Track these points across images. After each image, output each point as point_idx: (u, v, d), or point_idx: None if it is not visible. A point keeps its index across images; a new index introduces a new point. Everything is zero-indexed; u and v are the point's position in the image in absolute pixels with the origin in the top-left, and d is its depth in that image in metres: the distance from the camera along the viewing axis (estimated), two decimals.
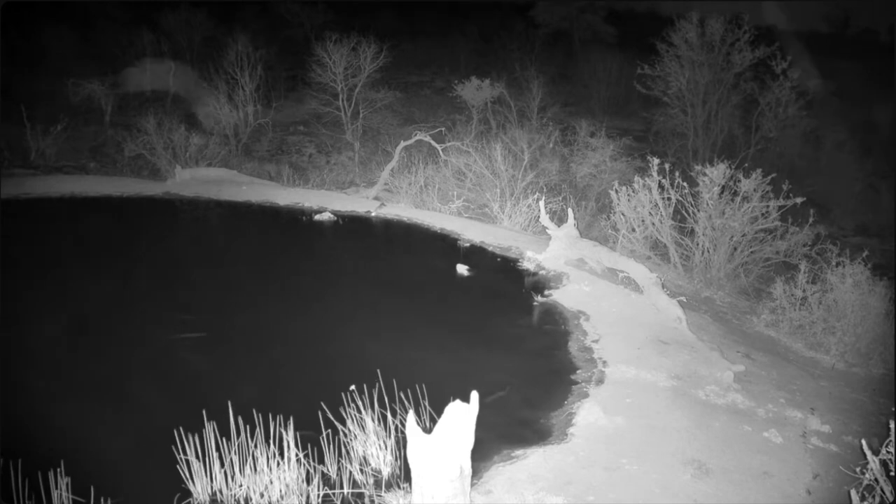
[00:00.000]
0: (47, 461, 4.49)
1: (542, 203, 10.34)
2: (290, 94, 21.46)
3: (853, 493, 3.99)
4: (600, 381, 6.50)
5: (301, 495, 4.69)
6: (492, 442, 5.25)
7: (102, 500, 4.42)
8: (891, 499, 3.91)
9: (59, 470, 4.41)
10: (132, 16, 24.27)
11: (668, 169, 9.82)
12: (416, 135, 14.08)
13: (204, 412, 4.85)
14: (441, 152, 14.00)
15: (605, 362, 6.92)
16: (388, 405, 5.43)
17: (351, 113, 17.09)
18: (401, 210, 12.27)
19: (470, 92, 17.87)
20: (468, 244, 10.72)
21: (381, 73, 17.40)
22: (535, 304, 8.60)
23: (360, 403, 5.32)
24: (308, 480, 4.75)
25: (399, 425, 5.30)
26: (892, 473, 3.94)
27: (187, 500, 4.64)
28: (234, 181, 13.53)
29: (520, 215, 12.10)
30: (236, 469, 4.75)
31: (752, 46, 15.59)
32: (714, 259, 9.85)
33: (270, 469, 4.71)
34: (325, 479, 4.88)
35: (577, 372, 6.78)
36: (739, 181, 9.51)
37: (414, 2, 32.66)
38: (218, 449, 4.75)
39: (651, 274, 8.61)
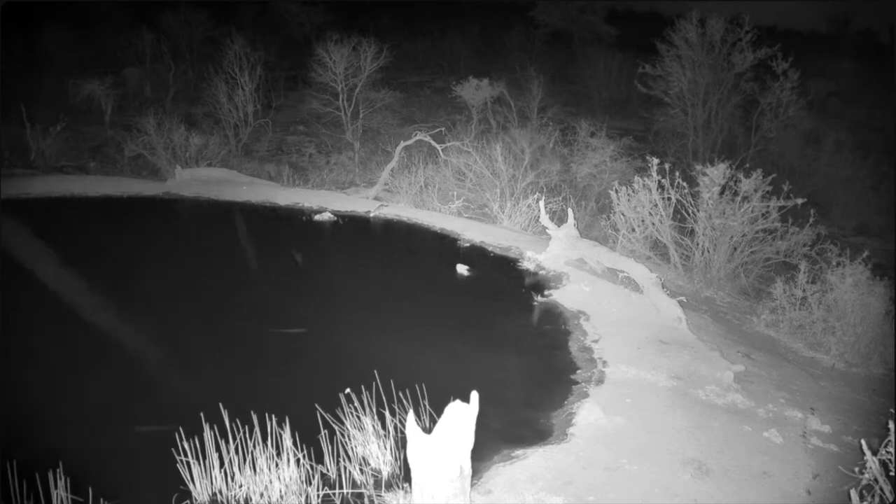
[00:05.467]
0: (47, 461, 4.48)
1: (541, 203, 10.34)
2: (290, 94, 21.45)
3: (853, 493, 3.99)
4: (600, 381, 6.50)
5: (301, 495, 4.69)
6: (492, 442, 5.25)
7: (102, 500, 4.41)
8: (890, 499, 3.91)
9: (58, 470, 4.41)
10: (132, 16, 24.27)
11: (667, 169, 9.82)
12: (416, 135, 14.07)
13: (202, 414, 4.85)
14: (441, 152, 13.99)
15: (605, 362, 6.92)
16: (387, 405, 5.43)
17: (351, 113, 17.09)
18: (401, 210, 12.26)
19: (469, 92, 17.87)
20: (468, 244, 10.71)
21: (382, 73, 17.40)
22: (535, 304, 8.60)
23: (359, 403, 5.32)
24: (308, 481, 4.75)
25: (399, 425, 5.30)
26: (892, 473, 3.93)
27: (186, 501, 4.63)
28: (234, 181, 13.52)
29: (520, 215, 12.09)
30: (236, 469, 4.75)
31: (754, 47, 15.59)
32: (714, 259, 9.85)
33: (270, 469, 4.71)
34: (325, 480, 4.88)
35: (577, 372, 6.78)
36: (739, 181, 9.51)
37: (414, 2, 32.67)
38: (218, 449, 4.75)
39: (651, 274, 8.61)
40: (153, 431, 5.27)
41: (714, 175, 9.58)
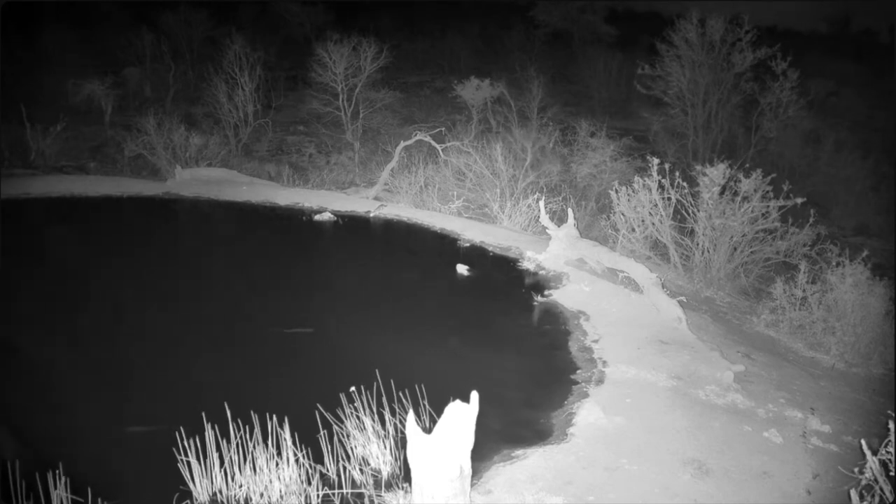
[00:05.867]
0: (47, 461, 4.48)
1: (541, 203, 10.34)
2: (290, 94, 21.46)
3: (853, 493, 3.99)
4: (600, 381, 6.50)
5: (301, 495, 4.69)
6: (492, 442, 5.25)
7: (101, 500, 4.41)
8: (890, 499, 3.91)
9: (58, 470, 4.41)
10: (132, 16, 24.27)
11: (667, 169, 9.82)
12: (416, 135, 14.08)
13: (203, 414, 4.85)
14: (441, 152, 13.99)
15: (605, 362, 6.92)
16: (387, 405, 5.43)
17: (351, 113, 17.09)
18: (401, 210, 12.27)
19: (469, 92, 17.88)
20: (468, 244, 10.71)
21: (382, 73, 17.40)
22: (535, 303, 8.60)
23: (359, 403, 5.32)
24: (308, 480, 4.75)
25: (399, 425, 5.30)
26: (892, 473, 3.93)
27: (186, 501, 4.63)
28: (234, 181, 13.52)
29: (520, 215, 12.09)
30: (236, 469, 4.75)
31: (754, 47, 15.59)
32: (714, 259, 9.85)
33: (270, 469, 4.71)
34: (325, 480, 4.88)
35: (578, 372, 6.78)
36: (739, 181, 9.51)
37: (414, 2, 32.66)
38: (218, 449, 4.75)
39: (651, 274, 8.61)
40: (148, 432, 5.27)
41: (714, 175, 9.58)
